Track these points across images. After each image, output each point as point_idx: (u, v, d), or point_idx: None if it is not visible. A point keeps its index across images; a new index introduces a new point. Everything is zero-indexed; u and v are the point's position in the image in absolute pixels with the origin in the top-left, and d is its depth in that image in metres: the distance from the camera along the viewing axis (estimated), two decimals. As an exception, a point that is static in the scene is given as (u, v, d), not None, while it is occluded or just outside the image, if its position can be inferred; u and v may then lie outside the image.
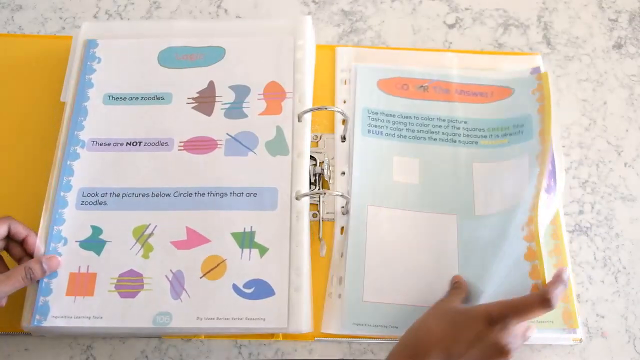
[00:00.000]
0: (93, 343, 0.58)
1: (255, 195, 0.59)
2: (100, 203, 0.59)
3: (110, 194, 0.60)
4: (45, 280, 0.56)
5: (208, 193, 0.59)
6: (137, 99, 0.64)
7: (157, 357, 0.57)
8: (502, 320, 0.47)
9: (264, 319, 0.54)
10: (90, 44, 0.67)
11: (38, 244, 0.56)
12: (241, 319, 0.54)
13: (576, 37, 0.75)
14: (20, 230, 0.55)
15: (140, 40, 0.67)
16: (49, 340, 0.58)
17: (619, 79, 0.72)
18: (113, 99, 0.64)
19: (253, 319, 0.54)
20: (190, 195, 0.59)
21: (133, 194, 0.60)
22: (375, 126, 0.66)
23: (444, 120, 0.67)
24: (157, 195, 0.60)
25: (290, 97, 0.63)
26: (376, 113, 0.67)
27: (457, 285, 0.57)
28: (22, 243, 0.56)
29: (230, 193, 0.59)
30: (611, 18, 0.76)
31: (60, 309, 0.55)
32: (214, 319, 0.54)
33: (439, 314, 0.52)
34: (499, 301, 0.49)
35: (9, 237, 0.55)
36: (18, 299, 0.55)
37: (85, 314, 0.55)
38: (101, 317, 0.54)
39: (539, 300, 0.48)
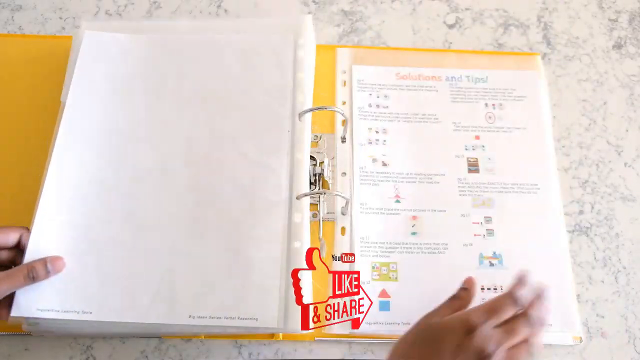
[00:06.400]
0: (93, 343, 0.58)
1: None
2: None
3: None
4: None
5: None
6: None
7: (157, 357, 0.57)
8: (480, 326, 0.46)
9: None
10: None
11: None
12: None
13: (576, 37, 0.75)
14: None
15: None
16: (49, 340, 0.58)
17: (619, 79, 0.72)
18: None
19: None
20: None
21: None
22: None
23: None
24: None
25: None
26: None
27: (456, 295, 0.54)
28: None
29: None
30: (611, 18, 0.76)
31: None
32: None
33: (419, 331, 0.50)
34: (476, 307, 0.49)
35: (18, 249, 0.53)
36: (18, 299, 0.54)
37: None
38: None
39: (509, 296, 0.49)
